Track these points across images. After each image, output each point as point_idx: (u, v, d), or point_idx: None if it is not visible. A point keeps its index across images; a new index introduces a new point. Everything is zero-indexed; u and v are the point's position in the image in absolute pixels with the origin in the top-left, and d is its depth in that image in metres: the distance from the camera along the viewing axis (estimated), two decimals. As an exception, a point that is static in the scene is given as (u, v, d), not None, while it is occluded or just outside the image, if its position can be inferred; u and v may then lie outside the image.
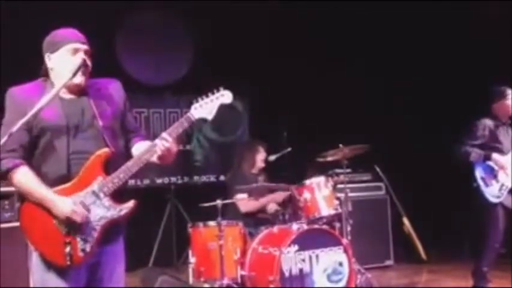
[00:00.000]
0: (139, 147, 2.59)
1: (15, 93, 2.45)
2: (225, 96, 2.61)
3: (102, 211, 2.42)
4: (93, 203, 2.41)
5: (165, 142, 2.46)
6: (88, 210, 2.39)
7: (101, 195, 2.42)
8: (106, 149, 2.45)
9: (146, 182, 6.59)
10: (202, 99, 2.59)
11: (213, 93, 2.61)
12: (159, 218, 6.42)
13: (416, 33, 6.72)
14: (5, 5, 5.16)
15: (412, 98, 6.89)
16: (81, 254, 2.39)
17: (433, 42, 6.72)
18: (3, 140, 2.25)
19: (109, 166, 2.45)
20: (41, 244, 2.39)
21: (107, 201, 2.43)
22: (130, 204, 2.48)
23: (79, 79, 2.44)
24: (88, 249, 2.40)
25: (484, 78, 5.31)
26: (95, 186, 2.41)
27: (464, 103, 5.53)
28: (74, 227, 2.37)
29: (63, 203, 2.35)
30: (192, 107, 2.57)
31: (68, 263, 2.35)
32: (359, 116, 6.83)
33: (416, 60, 6.75)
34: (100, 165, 2.43)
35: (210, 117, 2.59)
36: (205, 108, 2.57)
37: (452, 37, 6.52)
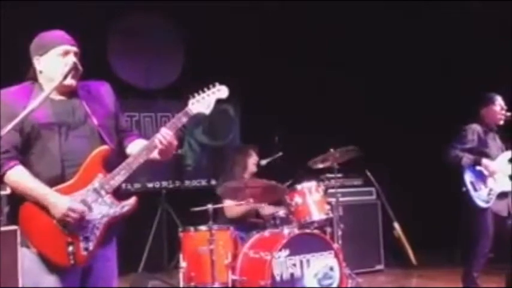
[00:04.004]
0: (135, 146, 2.58)
1: (1, 97, 2.42)
2: (221, 91, 2.62)
3: (105, 209, 2.41)
4: (95, 201, 2.39)
5: (166, 135, 2.46)
6: (90, 208, 2.37)
7: (103, 192, 2.40)
8: (105, 146, 2.44)
9: (137, 186, 6.57)
10: (199, 94, 2.60)
11: (208, 89, 2.62)
12: (150, 222, 6.38)
13: (413, 34, 6.74)
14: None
15: (408, 102, 6.91)
16: (84, 253, 2.37)
17: (430, 44, 6.73)
18: None
19: (108, 164, 2.44)
20: (43, 245, 2.35)
21: (108, 199, 2.41)
22: (132, 200, 2.47)
23: (69, 81, 2.43)
24: (91, 247, 2.38)
25: (481, 80, 5.33)
26: (95, 183, 2.40)
27: (459, 108, 5.55)
28: (73, 226, 2.34)
29: (60, 201, 2.33)
30: (190, 102, 2.58)
31: (72, 262, 2.33)
32: (350, 120, 6.84)
33: (411, 62, 6.77)
34: (100, 162, 2.42)
35: (207, 111, 2.60)
36: (203, 103, 2.58)
37: (451, 37, 6.53)
